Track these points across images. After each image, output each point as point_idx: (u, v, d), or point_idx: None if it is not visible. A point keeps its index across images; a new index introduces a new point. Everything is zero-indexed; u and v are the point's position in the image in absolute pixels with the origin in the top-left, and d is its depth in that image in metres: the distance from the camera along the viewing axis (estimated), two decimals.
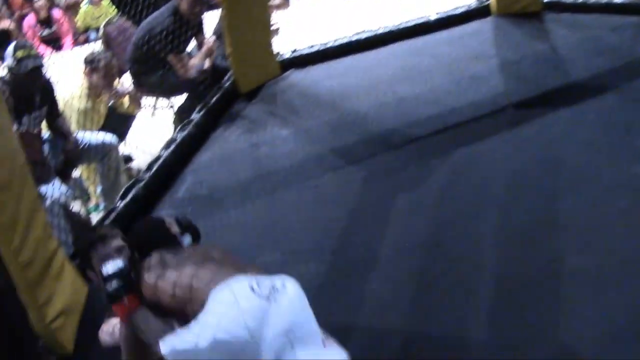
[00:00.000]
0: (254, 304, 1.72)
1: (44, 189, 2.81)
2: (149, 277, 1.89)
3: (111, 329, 2.05)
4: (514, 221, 2.65)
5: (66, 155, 3.29)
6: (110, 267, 1.86)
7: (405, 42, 4.59)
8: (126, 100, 4.01)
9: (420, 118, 3.58)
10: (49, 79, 3.30)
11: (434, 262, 2.53)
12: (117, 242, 1.99)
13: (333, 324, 2.28)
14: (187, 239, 2.11)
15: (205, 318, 1.74)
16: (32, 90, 3.13)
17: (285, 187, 3.24)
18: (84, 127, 3.53)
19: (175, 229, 2.12)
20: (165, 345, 1.74)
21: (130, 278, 1.86)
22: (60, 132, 3.33)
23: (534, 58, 3.96)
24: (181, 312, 1.85)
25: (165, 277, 1.88)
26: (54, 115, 3.32)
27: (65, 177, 3.23)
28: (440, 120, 3.51)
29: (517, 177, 2.91)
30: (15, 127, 2.64)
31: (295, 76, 4.45)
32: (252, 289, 1.75)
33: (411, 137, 3.42)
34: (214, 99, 4.07)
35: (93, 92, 3.72)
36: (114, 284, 1.83)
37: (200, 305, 1.79)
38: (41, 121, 3.29)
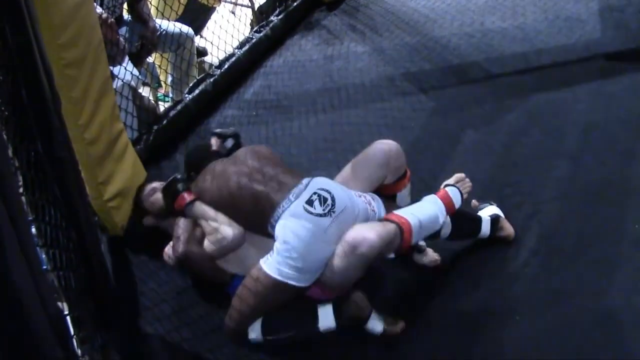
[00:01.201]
0: (320, 228, 1.91)
1: (116, 70, 2.84)
2: (204, 184, 2.13)
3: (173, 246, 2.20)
4: (582, 176, 2.54)
5: (143, 41, 3.30)
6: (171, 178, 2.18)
7: None
8: None
9: (504, 54, 3.41)
10: None
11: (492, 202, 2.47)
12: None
13: None
14: (229, 142, 2.33)
15: (290, 252, 1.90)
16: None
17: (353, 106, 3.19)
18: (162, 15, 3.52)
19: (216, 144, 2.34)
20: (268, 266, 1.92)
21: (187, 181, 2.17)
22: (140, 16, 3.33)
23: None
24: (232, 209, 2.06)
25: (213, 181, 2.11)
26: None
27: (138, 62, 3.26)
28: (524, 60, 3.34)
29: (595, 131, 2.77)
30: (96, 6, 2.64)
31: None
32: (310, 213, 1.93)
33: (490, 73, 3.28)
34: (295, 3, 3.97)
35: None
36: (174, 185, 2.14)
37: (251, 204, 2.02)
38: (123, 3, 3.30)
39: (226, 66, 3.40)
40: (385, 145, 2.19)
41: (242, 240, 2.05)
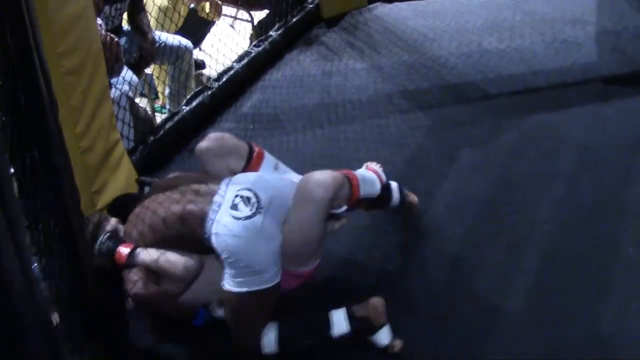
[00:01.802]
0: (256, 229, 1.86)
1: (114, 80, 2.83)
2: (134, 231, 2.00)
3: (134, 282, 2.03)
4: (577, 198, 2.54)
5: (142, 52, 3.30)
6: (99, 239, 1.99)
7: None
8: (207, 6, 3.98)
9: (501, 75, 3.43)
10: None
11: (486, 223, 2.47)
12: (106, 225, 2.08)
13: (372, 265, 2.31)
14: (147, 190, 2.22)
15: (237, 262, 1.86)
16: None
17: (350, 122, 3.19)
18: (162, 27, 3.53)
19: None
20: (229, 284, 1.89)
21: (117, 235, 2.01)
22: (139, 27, 3.34)
23: (636, 32, 3.70)
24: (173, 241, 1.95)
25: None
26: (136, 9, 3.32)
27: (137, 73, 3.26)
28: (521, 81, 3.37)
29: (590, 154, 2.78)
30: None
31: (381, 10, 4.32)
32: (238, 218, 1.86)
33: (487, 94, 3.30)
34: (295, 19, 4.00)
35: None
36: (106, 244, 1.96)
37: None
38: (122, 13, 3.30)
39: (224, 79, 3.41)
40: (201, 144, 2.15)
41: (201, 266, 1.96)
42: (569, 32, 3.77)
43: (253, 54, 3.64)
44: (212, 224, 1.87)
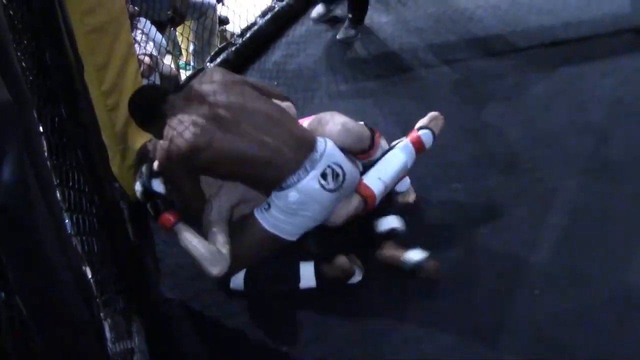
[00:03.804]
0: (330, 200, 2.02)
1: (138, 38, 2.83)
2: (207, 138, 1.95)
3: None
4: (606, 152, 2.51)
5: (174, 13, 3.28)
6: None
7: None
8: None
9: (530, 27, 3.35)
10: None
11: (513, 176, 2.45)
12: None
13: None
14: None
15: (296, 217, 2.02)
16: None
17: (375, 76, 3.16)
18: None
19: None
20: (265, 221, 2.03)
21: (160, 197, 2.06)
22: None
23: None
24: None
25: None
26: None
27: (161, 30, 3.25)
28: (550, 33, 3.29)
29: (619, 107, 2.73)
30: None
31: None
32: (324, 187, 1.99)
33: (516, 46, 3.23)
34: None
35: None
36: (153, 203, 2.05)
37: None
38: None
39: (248, 35, 3.39)
40: (335, 129, 2.15)
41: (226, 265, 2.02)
42: None
43: (277, 9, 3.59)
44: (297, 180, 1.97)
